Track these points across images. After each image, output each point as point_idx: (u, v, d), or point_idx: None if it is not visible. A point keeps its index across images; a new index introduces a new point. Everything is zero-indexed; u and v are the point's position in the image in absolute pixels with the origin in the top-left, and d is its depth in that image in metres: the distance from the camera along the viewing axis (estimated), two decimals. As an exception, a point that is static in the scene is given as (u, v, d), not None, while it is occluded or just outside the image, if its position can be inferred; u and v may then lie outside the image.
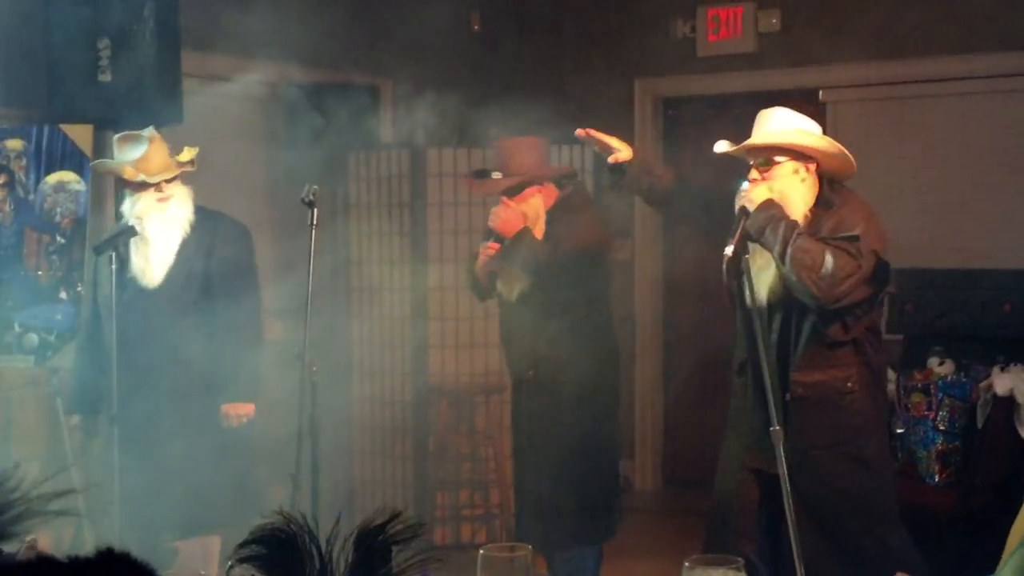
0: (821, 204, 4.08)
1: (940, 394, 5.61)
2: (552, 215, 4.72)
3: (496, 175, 4.72)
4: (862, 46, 6.91)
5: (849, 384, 4.05)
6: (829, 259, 3.87)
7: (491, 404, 6.33)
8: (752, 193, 3.97)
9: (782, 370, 4.05)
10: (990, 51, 6.57)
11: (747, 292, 3.76)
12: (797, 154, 4.03)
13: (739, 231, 3.87)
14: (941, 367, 5.75)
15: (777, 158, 4.03)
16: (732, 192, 4.08)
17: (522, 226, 4.63)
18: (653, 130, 7.68)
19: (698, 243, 7.60)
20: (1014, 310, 5.82)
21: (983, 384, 5.66)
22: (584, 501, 4.79)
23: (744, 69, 7.27)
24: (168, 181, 4.63)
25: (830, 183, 4.12)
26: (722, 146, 4.11)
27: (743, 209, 3.95)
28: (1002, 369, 5.68)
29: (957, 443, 5.68)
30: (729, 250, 3.81)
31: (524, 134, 4.88)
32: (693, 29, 7.39)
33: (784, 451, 3.76)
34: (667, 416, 7.78)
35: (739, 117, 7.66)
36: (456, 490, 6.46)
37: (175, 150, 4.72)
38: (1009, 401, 5.57)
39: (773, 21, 7.15)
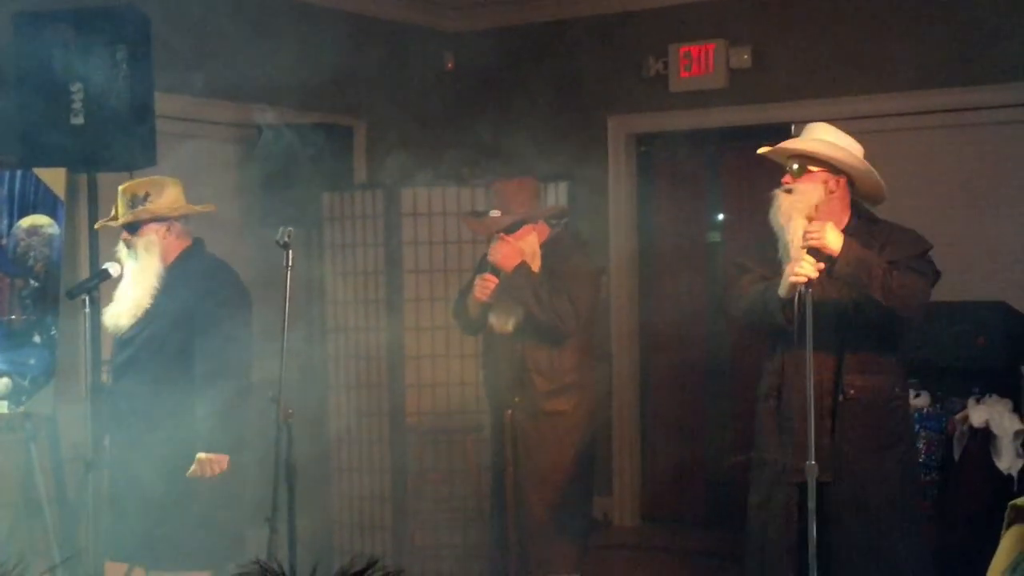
0: (865, 217, 4.31)
1: (916, 427, 5.62)
2: (545, 251, 5.00)
3: (494, 213, 4.99)
4: (832, 82, 6.97)
5: (896, 390, 4.29)
6: (919, 286, 4.13)
7: (468, 442, 6.30)
8: (827, 239, 4.08)
9: (835, 377, 4.20)
10: (959, 86, 6.63)
11: (807, 322, 3.91)
12: (832, 168, 4.21)
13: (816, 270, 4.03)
14: (917, 399, 5.76)
15: (812, 167, 4.21)
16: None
17: (520, 261, 4.90)
18: (627, 166, 7.71)
19: (673, 282, 7.66)
20: (988, 342, 5.85)
21: (959, 416, 5.68)
22: (567, 528, 4.98)
23: (716, 105, 7.31)
24: (133, 233, 4.57)
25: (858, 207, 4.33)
26: (764, 148, 4.33)
27: (816, 251, 4.08)
28: (977, 401, 5.71)
29: (934, 475, 5.69)
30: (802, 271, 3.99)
31: (499, 173, 5.05)
32: (665, 66, 7.43)
33: (828, 457, 4.02)
34: (644, 453, 7.76)
35: (712, 152, 7.75)
36: (435, 529, 6.42)
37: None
38: (985, 433, 5.59)
39: (744, 57, 7.20)
